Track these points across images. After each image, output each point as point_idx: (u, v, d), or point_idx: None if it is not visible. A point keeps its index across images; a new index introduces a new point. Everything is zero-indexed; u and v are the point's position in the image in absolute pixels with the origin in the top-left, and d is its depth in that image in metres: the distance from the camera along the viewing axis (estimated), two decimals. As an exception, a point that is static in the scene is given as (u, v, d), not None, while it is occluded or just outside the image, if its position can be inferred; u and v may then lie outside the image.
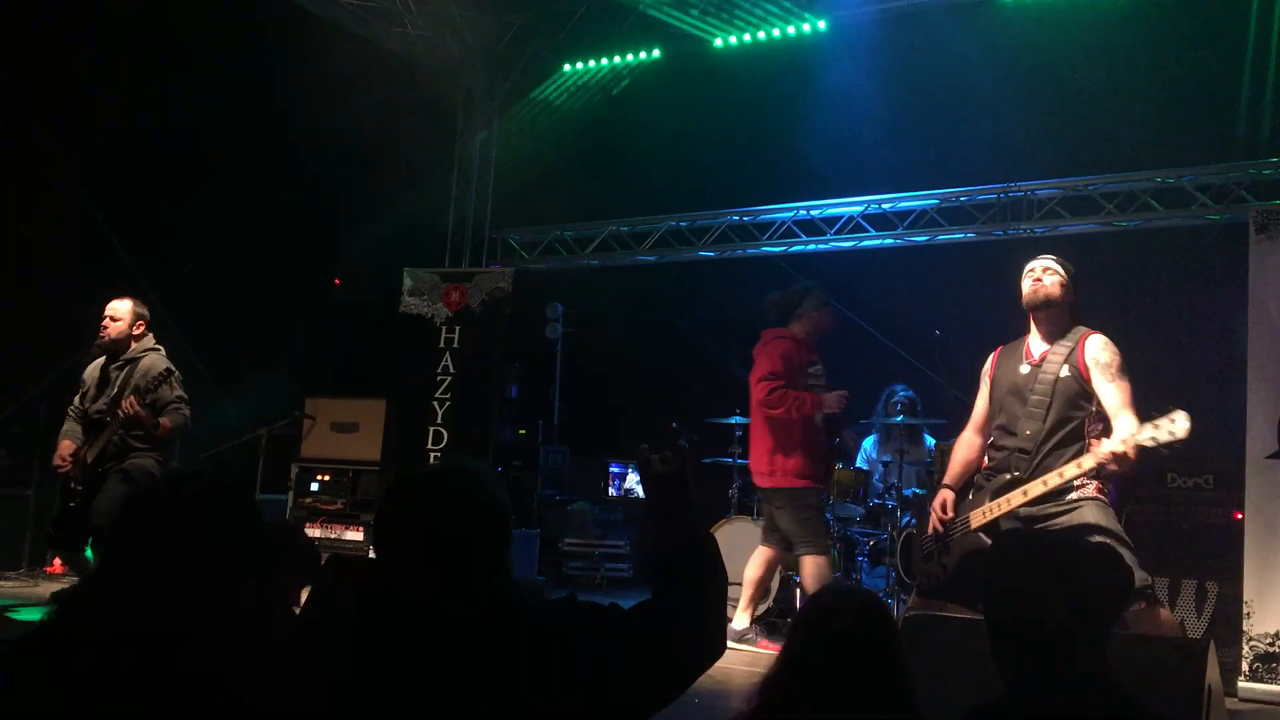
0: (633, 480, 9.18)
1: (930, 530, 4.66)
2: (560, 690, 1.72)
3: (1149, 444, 4.01)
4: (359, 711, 1.71)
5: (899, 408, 7.52)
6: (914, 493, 7.16)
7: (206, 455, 7.61)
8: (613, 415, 10.07)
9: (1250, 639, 5.37)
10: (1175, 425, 3.93)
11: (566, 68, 9.34)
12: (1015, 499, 4.30)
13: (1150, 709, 1.99)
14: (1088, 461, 4.14)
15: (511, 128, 9.57)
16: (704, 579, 1.99)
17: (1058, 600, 1.98)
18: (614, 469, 9.32)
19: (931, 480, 6.65)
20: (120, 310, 5.72)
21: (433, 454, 8.13)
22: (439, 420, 8.21)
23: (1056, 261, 4.55)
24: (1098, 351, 4.37)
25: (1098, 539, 4.00)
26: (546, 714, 1.71)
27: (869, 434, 8.07)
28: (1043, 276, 4.51)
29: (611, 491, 9.33)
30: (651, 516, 2.10)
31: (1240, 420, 5.57)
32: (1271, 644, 5.33)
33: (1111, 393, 4.28)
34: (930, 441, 7.63)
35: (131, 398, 5.42)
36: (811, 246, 8.49)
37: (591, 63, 9.24)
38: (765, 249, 8.70)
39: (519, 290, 8.53)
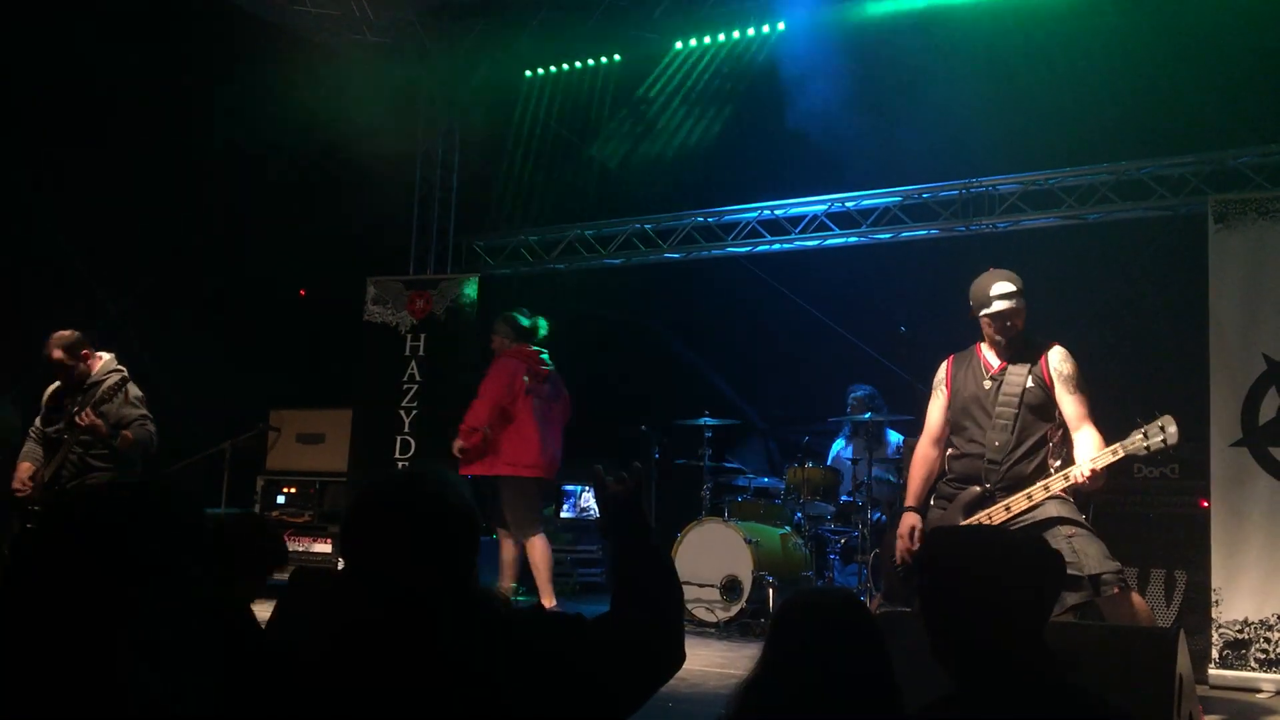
0: (588, 499, 9.04)
1: (899, 561, 4.49)
2: (528, 697, 1.70)
3: (1141, 452, 4.05)
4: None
5: (857, 406, 7.58)
6: (882, 479, 7.19)
7: (170, 470, 7.51)
8: (581, 419, 10.03)
9: (1219, 626, 5.41)
10: (1165, 432, 3.99)
11: (527, 74, 9.30)
12: (998, 515, 4.28)
13: (1097, 694, 1.97)
14: (1075, 472, 4.12)
15: (473, 135, 9.52)
16: (660, 591, 2.08)
17: (984, 588, 1.96)
18: (567, 488, 9.14)
19: (900, 472, 6.66)
20: (56, 353, 5.58)
21: (401, 463, 8.06)
22: (406, 429, 8.14)
23: (1018, 289, 4.42)
24: (1059, 363, 4.41)
25: (1065, 531, 4.02)
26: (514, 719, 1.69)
27: (839, 434, 8.09)
28: (1014, 320, 4.41)
29: (565, 514, 9.11)
30: (608, 535, 2.20)
31: (1204, 408, 5.61)
32: (1240, 630, 5.37)
33: (1072, 404, 4.33)
34: (897, 438, 7.66)
35: (88, 409, 5.37)
36: (777, 246, 8.50)
37: (552, 68, 9.21)
38: (731, 249, 8.70)
39: (484, 296, 8.47)
